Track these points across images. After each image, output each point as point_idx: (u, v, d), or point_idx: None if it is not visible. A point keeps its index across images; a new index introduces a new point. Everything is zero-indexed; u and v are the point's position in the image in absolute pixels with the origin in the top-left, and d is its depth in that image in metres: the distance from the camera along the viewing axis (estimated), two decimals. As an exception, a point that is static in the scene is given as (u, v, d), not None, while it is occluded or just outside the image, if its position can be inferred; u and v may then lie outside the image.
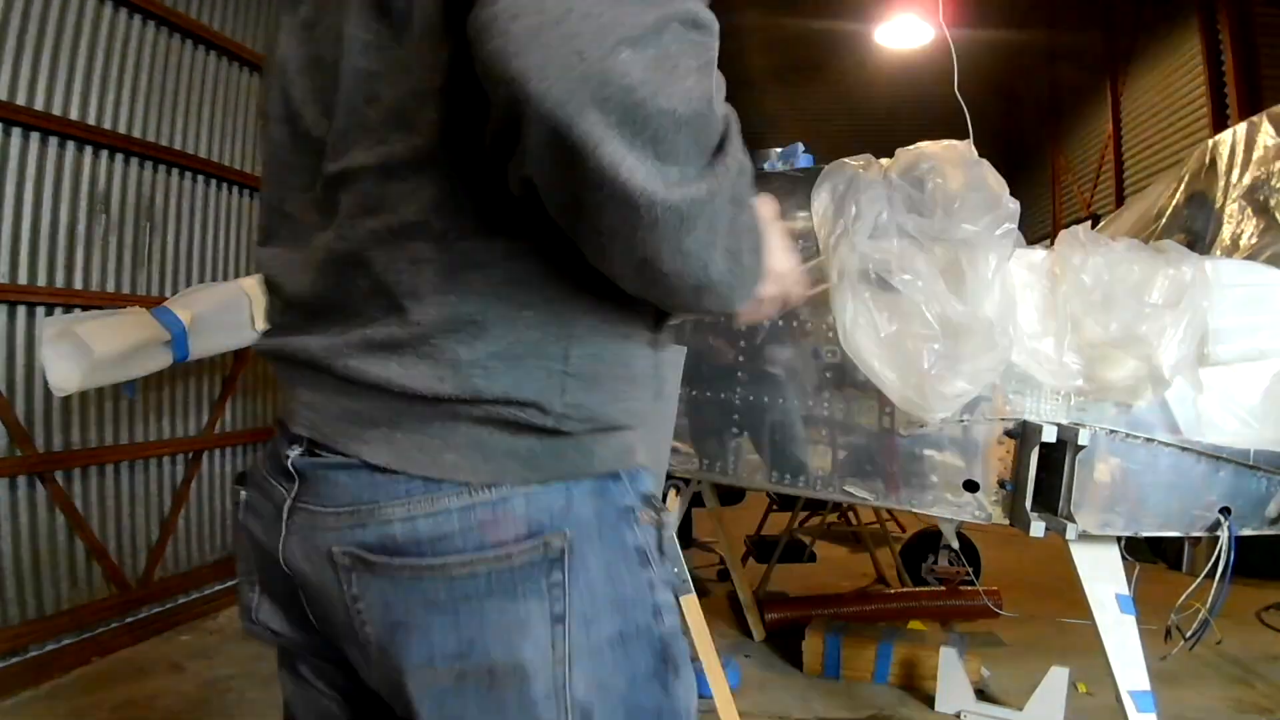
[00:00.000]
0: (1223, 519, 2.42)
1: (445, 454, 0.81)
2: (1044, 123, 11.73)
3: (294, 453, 0.89)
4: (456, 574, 0.80)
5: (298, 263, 0.90)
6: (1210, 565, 2.39)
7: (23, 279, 3.67)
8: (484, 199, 0.78)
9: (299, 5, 0.92)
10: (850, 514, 5.78)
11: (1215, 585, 2.39)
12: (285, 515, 0.89)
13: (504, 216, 0.78)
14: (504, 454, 0.82)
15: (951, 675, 3.40)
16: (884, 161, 2.58)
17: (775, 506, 5.42)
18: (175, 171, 4.52)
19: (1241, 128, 3.23)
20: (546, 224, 0.74)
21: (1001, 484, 2.50)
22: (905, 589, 4.89)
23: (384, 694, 0.87)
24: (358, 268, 0.82)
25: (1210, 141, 3.42)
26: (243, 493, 1.01)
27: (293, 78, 0.91)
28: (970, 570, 4.49)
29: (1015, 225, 2.40)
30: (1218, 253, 3.07)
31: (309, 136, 0.88)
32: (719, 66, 0.77)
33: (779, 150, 3.21)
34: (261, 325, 3.31)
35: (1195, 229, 3.31)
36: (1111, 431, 2.44)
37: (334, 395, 0.85)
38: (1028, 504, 2.43)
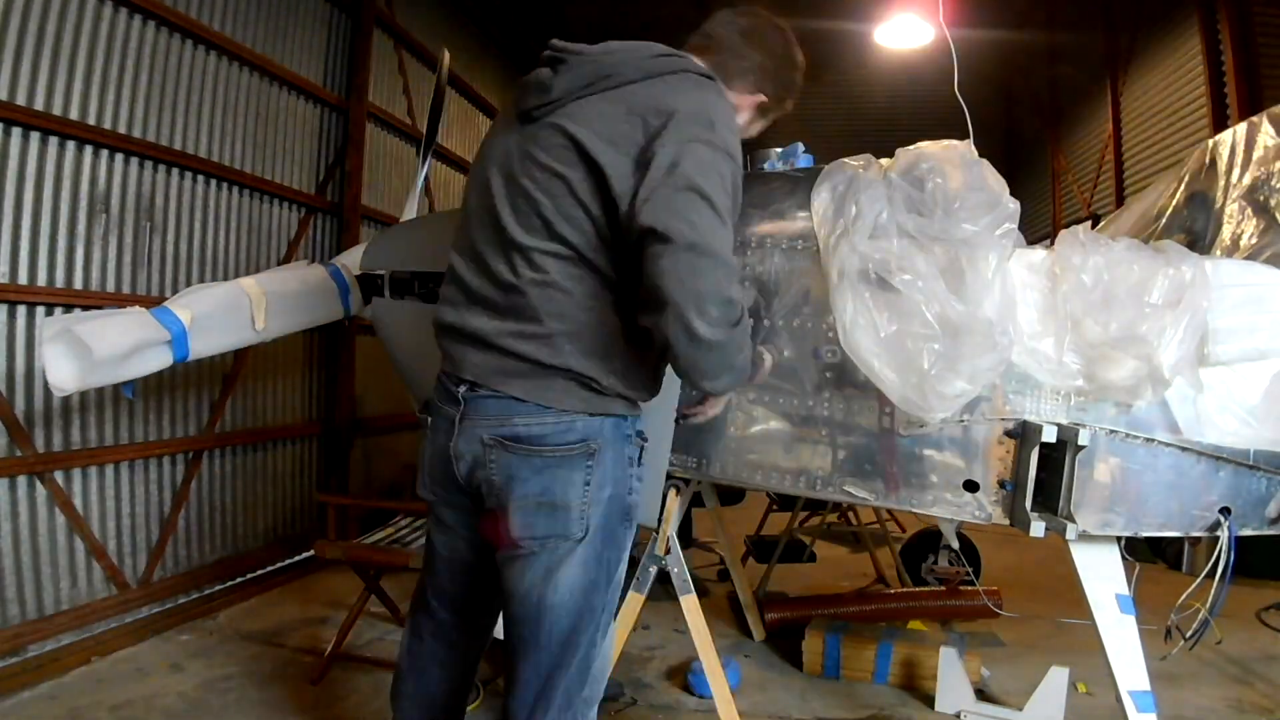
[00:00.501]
0: (1223, 519, 2.42)
1: (549, 393, 1.71)
2: (1044, 123, 11.73)
3: (462, 389, 1.79)
4: (546, 454, 1.72)
5: (482, 278, 1.79)
6: (1210, 565, 2.39)
7: (23, 279, 3.67)
8: (595, 284, 1.73)
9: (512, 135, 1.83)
10: (850, 514, 5.78)
11: (1215, 585, 2.39)
12: (458, 422, 1.80)
13: (600, 295, 1.72)
14: (576, 398, 1.71)
15: (951, 675, 3.40)
16: (884, 161, 2.58)
17: (775, 506, 5.42)
18: (175, 171, 4.52)
19: (1241, 128, 3.23)
20: (620, 309, 1.72)
21: (1001, 484, 2.50)
22: (905, 589, 4.89)
23: (490, 512, 1.83)
24: (520, 294, 1.71)
25: (1210, 141, 3.41)
26: (428, 419, 1.96)
27: (495, 181, 1.82)
28: (970, 570, 4.49)
29: (1015, 225, 2.40)
30: (1218, 253, 3.06)
31: (499, 222, 1.77)
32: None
33: (779, 150, 3.21)
34: (261, 325, 3.29)
35: (1195, 229, 3.31)
36: (1111, 431, 2.44)
37: (494, 358, 1.74)
38: (1028, 504, 2.42)
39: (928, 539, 4.96)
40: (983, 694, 3.52)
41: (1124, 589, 2.49)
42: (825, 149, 3.03)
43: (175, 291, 4.07)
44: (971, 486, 2.53)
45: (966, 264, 2.31)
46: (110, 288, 4.12)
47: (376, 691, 3.53)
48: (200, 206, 4.72)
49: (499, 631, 3.41)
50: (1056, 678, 3.17)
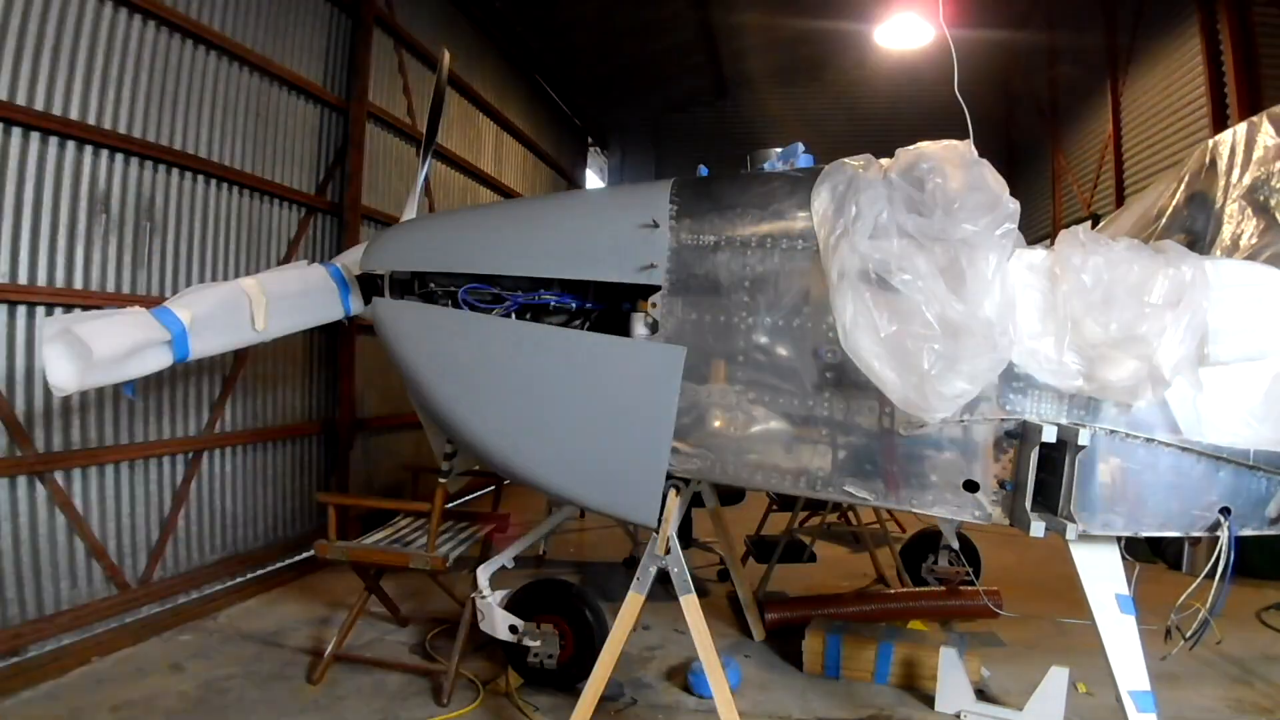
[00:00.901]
0: (1223, 519, 2.42)
1: None
2: (1044, 123, 11.73)
3: None
4: None
5: None
6: (1210, 565, 2.39)
7: (23, 279, 3.67)
8: None
9: None
10: (850, 514, 5.78)
11: (1215, 585, 2.39)
12: None
13: None
14: None
15: (951, 675, 3.40)
16: (884, 161, 2.58)
17: (775, 506, 5.42)
18: (175, 171, 4.52)
19: (1241, 128, 3.23)
20: None
21: (1001, 484, 2.50)
22: (905, 589, 4.89)
23: None
24: None
25: (1210, 141, 3.42)
26: None
27: None
28: (970, 570, 4.49)
29: (1015, 225, 2.40)
30: (1218, 253, 3.07)
31: None
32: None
33: (779, 150, 3.21)
34: (261, 325, 3.28)
35: (1195, 229, 3.31)
36: (1111, 431, 2.44)
37: None
38: (1028, 504, 2.43)
39: (928, 539, 4.96)
40: (983, 694, 3.52)
41: (1124, 589, 2.49)
42: (825, 149, 3.03)
43: (175, 291, 4.08)
44: (971, 486, 2.53)
45: (966, 264, 2.31)
46: (110, 288, 4.12)
47: (376, 691, 3.53)
48: (200, 206, 4.72)
49: (498, 630, 3.44)
50: (1056, 678, 3.17)
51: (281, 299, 3.09)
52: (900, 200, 2.41)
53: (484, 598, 3.44)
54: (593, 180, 14.26)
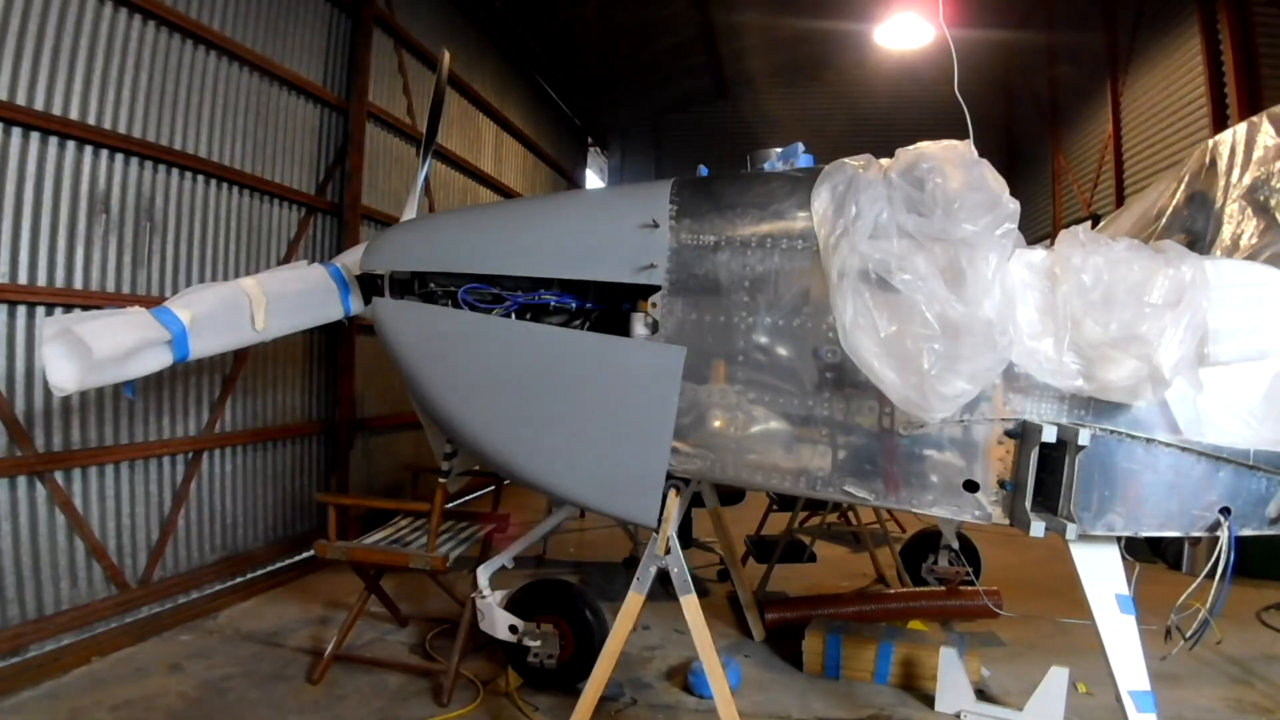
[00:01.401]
0: (1223, 519, 2.42)
1: None
2: (1044, 123, 11.73)
3: None
4: None
5: None
6: (1210, 565, 2.39)
7: (23, 279, 3.67)
8: None
9: None
10: (850, 514, 5.78)
11: (1215, 585, 2.40)
12: None
13: None
14: None
15: (951, 675, 3.40)
16: (884, 161, 2.58)
17: (775, 506, 5.42)
18: (175, 171, 4.52)
19: (1241, 128, 3.23)
20: None
21: (1001, 484, 2.50)
22: (905, 589, 4.89)
23: None
24: None
25: (1210, 141, 3.42)
26: None
27: None
28: (970, 570, 4.49)
29: (1015, 225, 2.41)
30: (1218, 253, 3.07)
31: None
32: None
33: (779, 150, 3.21)
34: (261, 325, 3.27)
35: (1195, 229, 3.31)
36: (1111, 431, 2.44)
37: None
38: (1028, 504, 2.43)
39: (928, 539, 4.96)
40: (983, 694, 3.52)
41: (1124, 589, 2.49)
42: (825, 149, 3.03)
43: (175, 291, 4.08)
44: (971, 486, 2.53)
45: (966, 264, 2.31)
46: (110, 288, 4.12)
47: (376, 691, 3.53)
48: (200, 206, 4.72)
49: (498, 630, 3.44)
50: (1056, 678, 3.17)
51: (281, 299, 3.09)
52: (900, 200, 2.41)
53: (484, 598, 3.44)
54: (593, 180, 14.26)
